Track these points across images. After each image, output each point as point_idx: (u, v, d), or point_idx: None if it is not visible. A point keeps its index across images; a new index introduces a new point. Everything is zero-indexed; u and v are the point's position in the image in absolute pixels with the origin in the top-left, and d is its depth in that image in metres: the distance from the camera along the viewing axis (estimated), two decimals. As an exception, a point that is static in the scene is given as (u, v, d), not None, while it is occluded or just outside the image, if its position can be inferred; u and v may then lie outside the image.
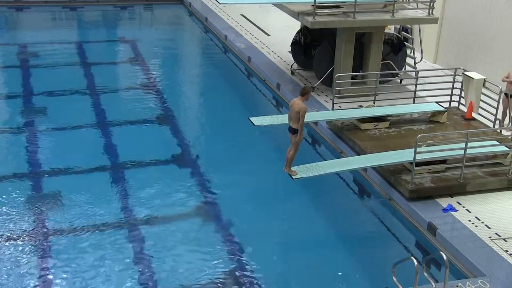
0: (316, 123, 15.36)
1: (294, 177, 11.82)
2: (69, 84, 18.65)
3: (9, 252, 10.60)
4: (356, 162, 12.62)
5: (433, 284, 8.81)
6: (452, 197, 11.96)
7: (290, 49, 19.17)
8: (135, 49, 22.65)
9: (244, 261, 10.62)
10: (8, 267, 10.20)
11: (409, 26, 19.55)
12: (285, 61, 19.81)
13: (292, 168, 11.87)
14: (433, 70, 18.51)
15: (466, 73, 15.09)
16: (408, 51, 18.52)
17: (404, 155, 12.37)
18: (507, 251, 10.31)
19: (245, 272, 10.33)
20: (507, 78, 14.35)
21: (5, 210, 11.83)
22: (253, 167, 14.08)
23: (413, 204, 11.66)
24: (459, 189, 12.06)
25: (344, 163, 12.67)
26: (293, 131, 11.65)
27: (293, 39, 18.83)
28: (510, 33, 17.07)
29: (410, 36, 19.30)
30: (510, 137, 13.28)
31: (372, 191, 12.95)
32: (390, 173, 12.34)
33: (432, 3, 16.79)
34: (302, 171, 11.93)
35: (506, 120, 14.74)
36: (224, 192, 12.86)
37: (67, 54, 21.68)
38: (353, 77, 16.81)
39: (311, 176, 11.87)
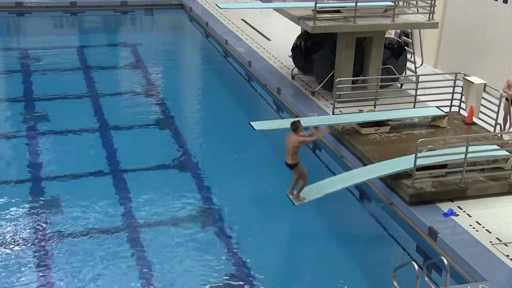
0: (316, 127, 15.35)
1: (296, 203, 11.56)
2: (70, 89, 18.67)
3: (8, 256, 10.60)
4: (359, 176, 12.34)
5: (434, 289, 8.81)
6: (452, 201, 11.95)
7: (290, 53, 19.19)
8: (136, 54, 22.68)
9: (244, 265, 10.61)
10: (8, 271, 10.20)
11: (410, 31, 19.59)
12: (285, 66, 19.83)
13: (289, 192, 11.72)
14: (433, 74, 18.54)
15: (466, 77, 15.09)
16: (408, 56, 18.53)
17: (405, 162, 12.31)
18: (508, 255, 10.29)
19: (245, 276, 10.32)
20: (507, 89, 14.32)
21: (5, 214, 11.83)
22: (254, 172, 14.08)
23: (414, 209, 11.65)
24: (459, 194, 12.05)
25: (347, 178, 12.32)
26: (290, 167, 11.44)
27: (293, 43, 18.84)
28: (511, 37, 17.08)
29: (411, 41, 19.32)
30: (511, 142, 13.28)
31: (373, 195, 12.94)
32: (391, 178, 12.32)
33: (432, 8, 16.82)
34: (304, 193, 11.65)
35: (508, 125, 14.72)
36: (225, 196, 12.86)
37: (68, 59, 21.70)
38: (353, 82, 16.82)
39: (313, 199, 11.60)
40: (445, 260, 8.79)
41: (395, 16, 16.62)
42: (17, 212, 11.94)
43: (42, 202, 12.37)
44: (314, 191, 11.77)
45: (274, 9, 19.47)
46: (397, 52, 17.99)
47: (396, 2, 16.70)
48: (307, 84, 18.29)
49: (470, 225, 11.18)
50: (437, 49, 20.05)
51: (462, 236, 10.86)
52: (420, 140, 11.87)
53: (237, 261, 10.72)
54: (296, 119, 11.85)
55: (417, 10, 17.83)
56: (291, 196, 11.71)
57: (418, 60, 18.98)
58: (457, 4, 19.06)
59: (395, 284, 9.08)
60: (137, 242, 11.18)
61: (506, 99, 14.45)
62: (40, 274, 10.22)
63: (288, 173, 11.86)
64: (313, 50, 18.12)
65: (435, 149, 12.57)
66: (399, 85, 18.08)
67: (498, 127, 14.45)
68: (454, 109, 15.76)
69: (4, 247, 10.84)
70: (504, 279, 9.69)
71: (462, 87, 15.31)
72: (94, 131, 15.91)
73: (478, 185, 12.19)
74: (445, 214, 11.49)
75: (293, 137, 11.28)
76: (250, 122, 14.22)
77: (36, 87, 18.85)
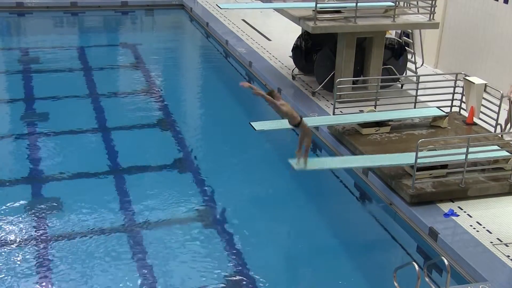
0: (317, 128, 15.35)
1: (296, 167, 11.64)
2: (71, 89, 18.65)
3: (8, 256, 10.58)
4: (358, 161, 12.83)
5: (434, 289, 8.80)
6: (453, 202, 11.93)
7: (291, 54, 19.18)
8: (136, 54, 22.67)
9: (244, 266, 10.60)
10: (8, 271, 10.19)
11: (410, 31, 19.57)
12: (286, 66, 19.82)
13: (293, 161, 11.72)
14: (434, 75, 18.53)
15: (467, 78, 15.08)
16: (409, 56, 18.52)
17: (406, 158, 12.33)
18: (508, 256, 10.28)
19: (245, 277, 10.31)
20: (511, 93, 14.31)
21: (5, 214, 11.82)
22: (254, 172, 14.07)
23: (414, 209, 11.63)
24: (460, 194, 12.03)
25: (347, 160, 12.96)
26: (296, 126, 11.36)
27: (294, 44, 18.83)
28: (511, 38, 17.06)
29: (411, 41, 19.31)
30: (511, 142, 13.26)
31: (373, 195, 12.92)
32: (391, 178, 12.31)
33: (433, 8, 16.81)
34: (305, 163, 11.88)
35: (509, 126, 14.70)
36: (225, 197, 12.85)
37: (68, 59, 21.70)
38: (354, 82, 16.81)
39: (313, 169, 12.01)
40: (445, 261, 8.77)
41: (396, 16, 16.60)
42: (17, 212, 11.92)
43: (42, 202, 12.35)
44: (316, 163, 12.40)
45: (274, 9, 19.43)
46: (398, 53, 17.97)
47: (397, 2, 16.68)
48: (308, 84, 18.27)
49: (471, 226, 11.16)
50: (438, 49, 20.04)
51: (462, 237, 10.84)
52: (420, 140, 11.85)
53: (237, 261, 10.70)
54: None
55: (418, 10, 17.82)
56: (292, 161, 11.68)
57: (419, 60, 18.96)
58: (458, 4, 19.05)
59: (396, 284, 9.07)
60: (137, 242, 11.16)
61: (510, 101, 14.41)
62: (40, 274, 10.21)
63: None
64: (313, 51, 18.11)
65: (436, 149, 12.56)
66: (400, 85, 18.07)
67: (498, 127, 14.43)
68: (455, 109, 15.74)
69: (4, 247, 10.83)
70: (505, 280, 9.67)
71: (462, 87, 15.30)
72: (94, 131, 15.89)
73: (479, 186, 12.17)
74: (446, 215, 11.47)
75: (279, 104, 11.04)
76: (251, 122, 14.19)
77: (36, 87, 18.83)
